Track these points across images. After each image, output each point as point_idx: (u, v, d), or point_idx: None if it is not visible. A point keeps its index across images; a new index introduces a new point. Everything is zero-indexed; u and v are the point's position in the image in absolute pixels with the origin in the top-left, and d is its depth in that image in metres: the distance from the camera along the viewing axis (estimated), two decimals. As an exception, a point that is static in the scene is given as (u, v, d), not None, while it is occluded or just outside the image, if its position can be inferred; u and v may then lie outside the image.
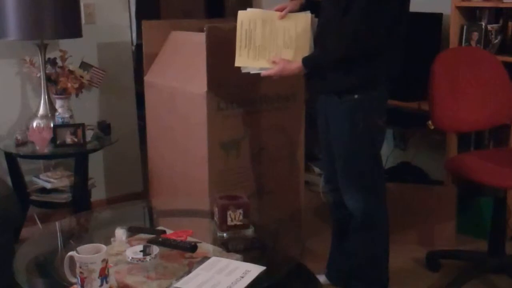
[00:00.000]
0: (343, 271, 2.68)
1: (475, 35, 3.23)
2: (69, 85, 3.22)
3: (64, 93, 3.25)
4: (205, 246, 1.96)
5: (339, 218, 2.67)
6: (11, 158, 3.22)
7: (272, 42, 2.45)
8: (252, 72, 2.46)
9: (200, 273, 1.70)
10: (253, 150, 2.91)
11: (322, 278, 2.79)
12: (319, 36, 2.43)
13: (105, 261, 1.62)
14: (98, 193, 3.64)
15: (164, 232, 2.04)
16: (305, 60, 2.37)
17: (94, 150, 3.30)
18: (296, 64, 2.38)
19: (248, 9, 2.47)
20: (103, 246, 1.67)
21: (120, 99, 3.75)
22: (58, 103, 3.29)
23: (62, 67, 3.29)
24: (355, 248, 2.55)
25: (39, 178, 3.32)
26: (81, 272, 1.60)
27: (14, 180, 3.23)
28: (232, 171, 2.85)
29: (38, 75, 3.28)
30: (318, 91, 2.54)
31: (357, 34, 2.24)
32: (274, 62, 2.41)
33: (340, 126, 2.41)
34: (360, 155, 2.41)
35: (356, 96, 2.35)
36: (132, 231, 2.03)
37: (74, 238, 2.12)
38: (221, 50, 2.71)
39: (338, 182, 2.51)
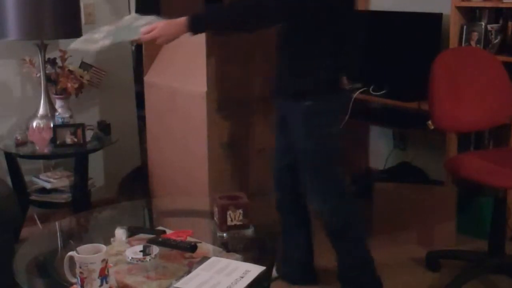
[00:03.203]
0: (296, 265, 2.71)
1: (475, 35, 3.22)
2: (69, 85, 3.22)
3: (64, 93, 3.26)
4: (205, 246, 1.96)
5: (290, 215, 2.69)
6: (11, 158, 3.22)
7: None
8: (93, 48, 2.26)
9: (200, 273, 1.70)
10: (253, 150, 2.91)
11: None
12: None
13: (105, 261, 1.62)
14: (98, 193, 3.64)
15: (164, 232, 2.04)
16: (193, 18, 2.18)
17: (94, 150, 3.30)
18: (178, 22, 2.19)
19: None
20: (103, 246, 1.67)
21: (120, 99, 3.75)
22: (58, 103, 3.29)
23: (62, 67, 3.29)
24: (337, 254, 2.56)
25: (39, 178, 3.32)
26: (81, 272, 1.60)
27: (14, 180, 3.23)
28: (232, 171, 2.85)
29: (38, 75, 3.28)
30: (276, 92, 2.51)
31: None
32: (148, 31, 2.23)
33: (297, 130, 2.40)
34: (317, 161, 2.41)
35: (309, 102, 2.32)
36: (132, 231, 2.03)
37: (74, 238, 2.12)
38: (221, 50, 2.72)
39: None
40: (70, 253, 1.67)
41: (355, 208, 2.51)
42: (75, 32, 3.23)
